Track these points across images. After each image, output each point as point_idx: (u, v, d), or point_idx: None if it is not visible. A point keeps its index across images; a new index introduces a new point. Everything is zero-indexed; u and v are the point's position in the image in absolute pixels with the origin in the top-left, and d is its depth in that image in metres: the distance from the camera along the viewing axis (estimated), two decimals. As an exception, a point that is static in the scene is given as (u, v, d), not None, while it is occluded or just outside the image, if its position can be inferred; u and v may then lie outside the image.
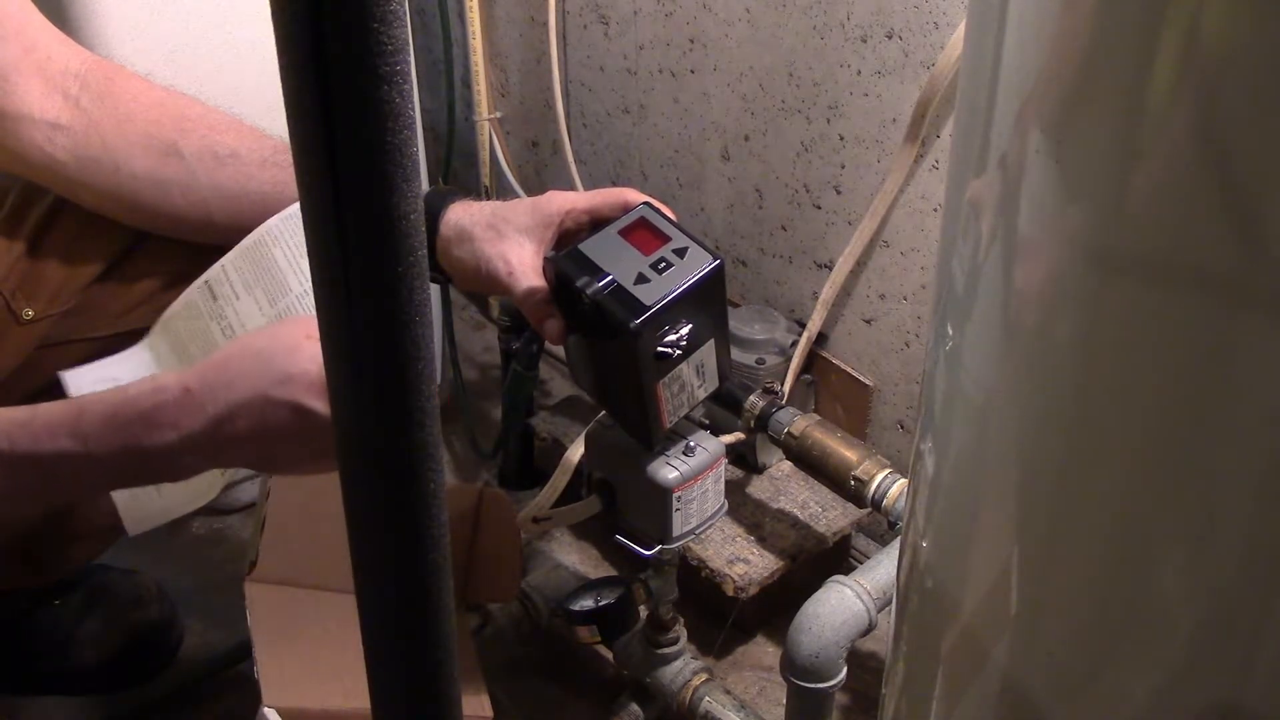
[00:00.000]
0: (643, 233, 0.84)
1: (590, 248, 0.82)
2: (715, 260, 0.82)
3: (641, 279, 0.80)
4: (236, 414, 0.69)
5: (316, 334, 0.68)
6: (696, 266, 0.82)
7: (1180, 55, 0.33)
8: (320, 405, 0.69)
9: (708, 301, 0.83)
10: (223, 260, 0.85)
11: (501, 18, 1.55)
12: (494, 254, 0.84)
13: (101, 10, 1.16)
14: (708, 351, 0.86)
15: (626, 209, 0.85)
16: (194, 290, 0.85)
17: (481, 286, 0.86)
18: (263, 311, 0.83)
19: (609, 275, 0.80)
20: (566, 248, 0.84)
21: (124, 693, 1.14)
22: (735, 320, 1.25)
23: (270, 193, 0.85)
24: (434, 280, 0.88)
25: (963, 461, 0.48)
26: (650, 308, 0.79)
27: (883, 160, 1.13)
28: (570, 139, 1.49)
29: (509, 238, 0.84)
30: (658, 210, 0.85)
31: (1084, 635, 0.43)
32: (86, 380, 0.81)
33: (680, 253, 0.83)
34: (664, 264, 0.82)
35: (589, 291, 0.79)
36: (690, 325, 0.82)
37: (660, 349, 0.81)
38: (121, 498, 0.77)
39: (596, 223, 0.86)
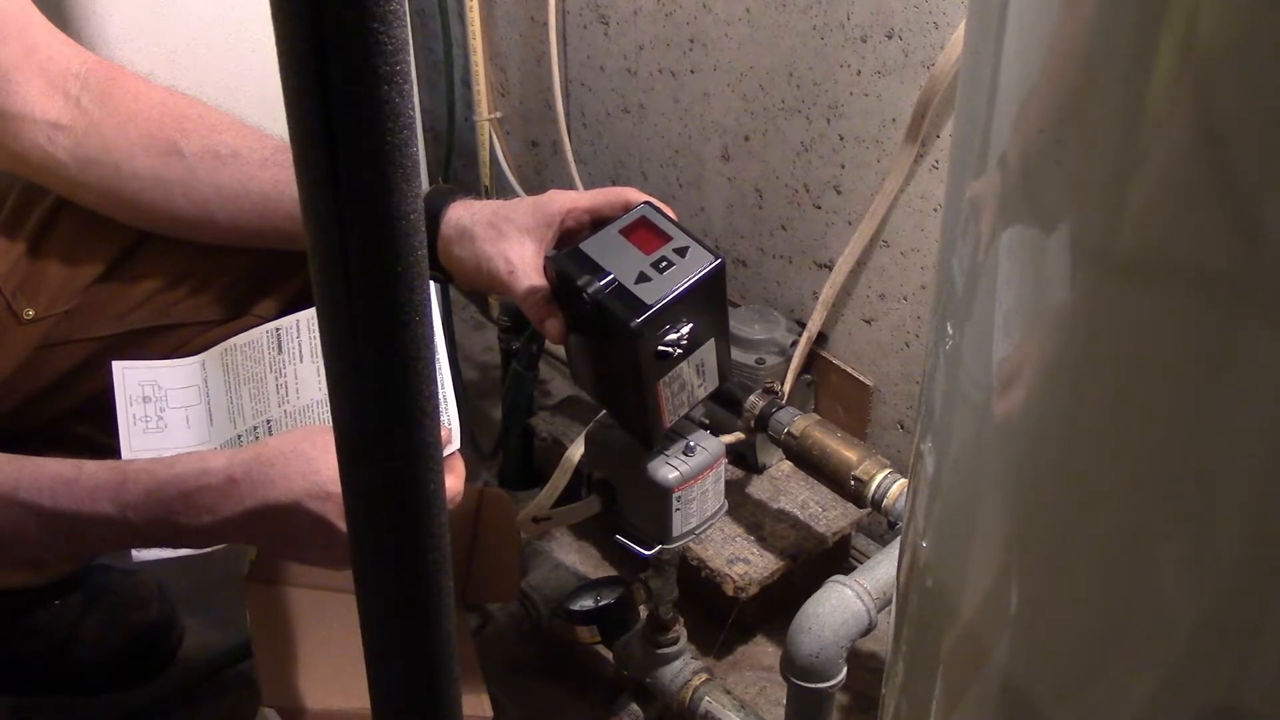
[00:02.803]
0: (644, 232, 0.84)
1: (591, 247, 0.82)
2: (716, 260, 0.82)
3: (642, 278, 0.81)
4: (270, 513, 0.71)
5: None
6: (697, 266, 0.82)
7: (1179, 55, 0.33)
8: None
9: (708, 301, 0.83)
10: (300, 315, 0.85)
11: (501, 18, 1.55)
12: (495, 253, 0.84)
13: (101, 10, 1.16)
14: (708, 351, 0.86)
15: (627, 208, 0.85)
16: (262, 332, 0.85)
17: (482, 285, 0.87)
18: (320, 386, 0.82)
19: (610, 274, 0.80)
20: (567, 247, 0.84)
21: (124, 693, 1.14)
22: (735, 320, 1.25)
23: (271, 192, 0.85)
24: (434, 279, 0.88)
25: (963, 461, 0.48)
26: (651, 307, 0.79)
27: (883, 160, 1.13)
28: (570, 139, 1.49)
29: (510, 237, 0.84)
30: (659, 210, 0.85)
31: (1084, 635, 0.43)
32: (132, 377, 0.82)
33: (681, 252, 0.83)
34: (665, 263, 0.82)
35: (590, 290, 0.79)
36: (691, 324, 0.82)
37: (661, 348, 0.81)
38: None
39: (597, 222, 0.86)
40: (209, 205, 0.85)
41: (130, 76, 0.86)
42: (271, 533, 0.73)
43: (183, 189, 0.84)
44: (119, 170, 0.83)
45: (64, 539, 0.71)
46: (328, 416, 0.83)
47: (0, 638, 1.11)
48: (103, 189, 0.84)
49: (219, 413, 0.85)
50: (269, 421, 0.83)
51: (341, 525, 0.72)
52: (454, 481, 0.79)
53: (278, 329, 0.84)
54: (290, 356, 0.83)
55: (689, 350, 0.84)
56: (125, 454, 0.80)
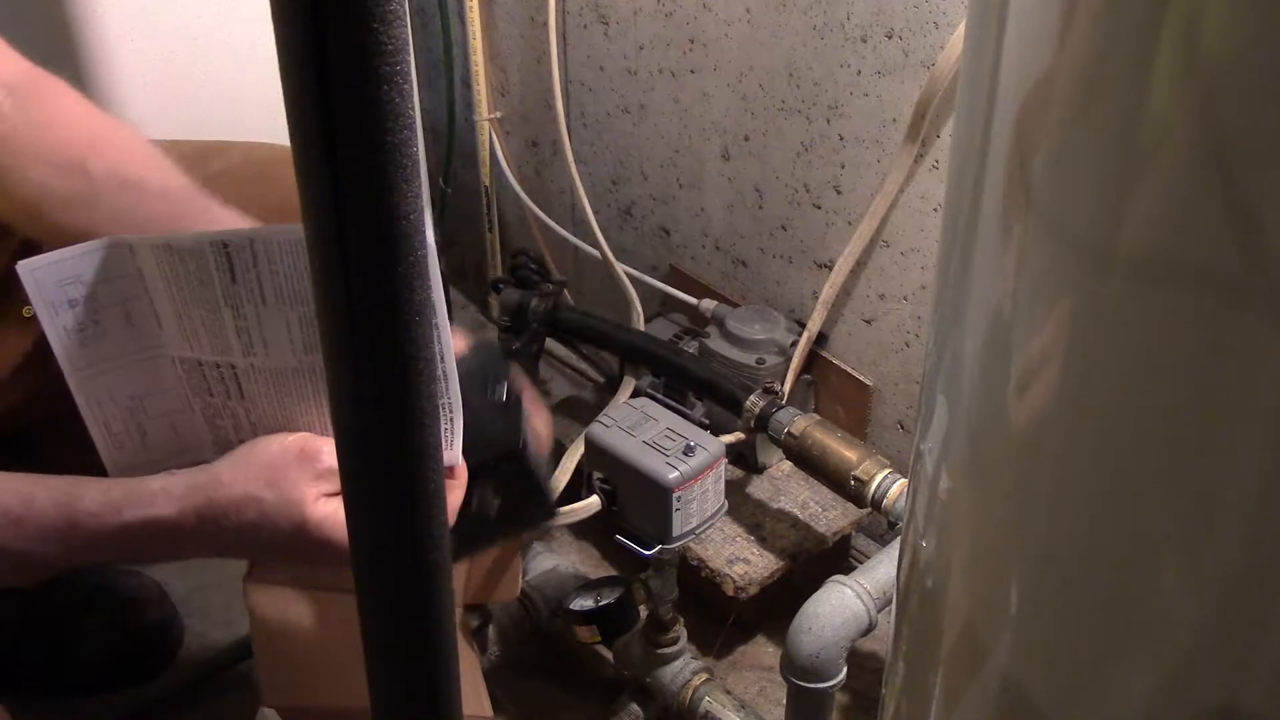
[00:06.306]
0: None
1: None
2: None
3: None
4: (228, 554, 0.71)
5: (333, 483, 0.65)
6: None
7: (1181, 55, 0.33)
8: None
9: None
10: (254, 232, 0.67)
11: (501, 18, 1.55)
12: None
13: (101, 10, 1.16)
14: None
15: None
16: (205, 245, 0.68)
17: None
18: (294, 348, 0.70)
19: None
20: None
21: (124, 693, 1.14)
22: (735, 320, 1.25)
23: (153, 225, 0.79)
24: None
25: (962, 462, 0.48)
26: None
27: (883, 160, 1.13)
28: (570, 139, 1.49)
29: None
30: None
31: (1084, 635, 0.43)
32: (47, 277, 0.69)
33: None
34: None
35: None
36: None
37: None
38: (105, 449, 0.76)
39: None
40: (100, 229, 0.81)
41: (62, 91, 0.83)
42: (242, 552, 0.73)
43: (84, 208, 0.81)
44: (24, 179, 0.80)
45: (14, 570, 0.70)
46: (304, 388, 0.73)
47: (0, 637, 1.11)
48: (7, 194, 0.81)
49: (168, 319, 0.73)
50: (234, 368, 0.72)
51: (310, 562, 0.71)
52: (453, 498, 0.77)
53: (225, 245, 0.67)
54: (249, 292, 0.69)
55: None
56: (71, 379, 0.73)
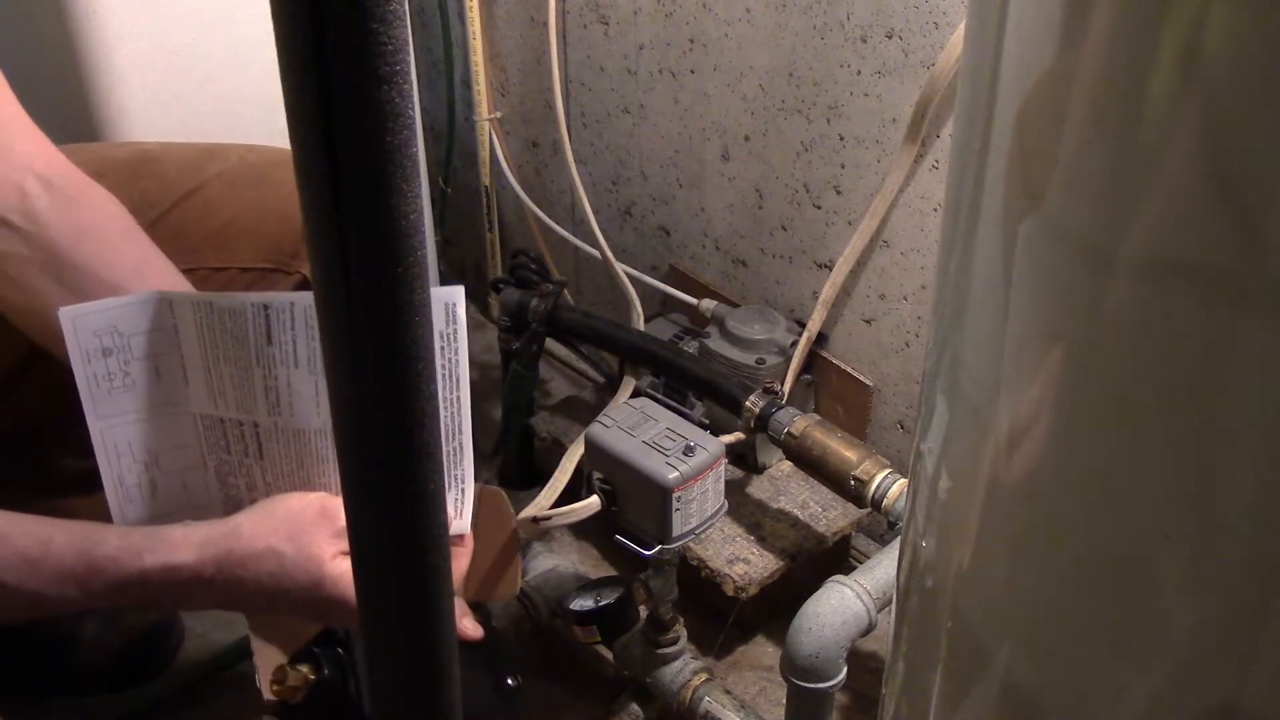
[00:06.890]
0: None
1: None
2: None
3: None
4: (245, 607, 0.72)
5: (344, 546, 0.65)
6: None
7: (1182, 56, 0.33)
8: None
9: None
10: (296, 296, 0.71)
11: (501, 18, 1.55)
12: None
13: (102, 10, 1.16)
14: None
15: None
16: (247, 304, 0.71)
17: None
18: (320, 410, 0.71)
19: None
20: None
21: (124, 693, 1.14)
22: (735, 320, 1.25)
23: None
24: None
25: (962, 462, 0.48)
26: None
27: (883, 160, 1.13)
28: (570, 139, 1.49)
29: None
30: None
31: (1084, 636, 0.43)
32: (86, 326, 0.70)
33: None
34: None
35: None
36: None
37: None
38: (115, 500, 0.76)
39: None
40: None
41: (100, 195, 0.80)
42: (258, 607, 0.74)
43: None
44: (58, 276, 0.76)
45: (31, 610, 0.69)
46: (323, 449, 0.75)
47: (1, 638, 1.11)
48: (20, 286, 0.76)
49: (196, 376, 0.74)
50: (257, 426, 0.74)
51: (322, 619, 0.72)
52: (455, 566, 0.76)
53: (266, 306, 0.71)
54: (283, 354, 0.71)
55: None
56: (92, 423, 0.73)
